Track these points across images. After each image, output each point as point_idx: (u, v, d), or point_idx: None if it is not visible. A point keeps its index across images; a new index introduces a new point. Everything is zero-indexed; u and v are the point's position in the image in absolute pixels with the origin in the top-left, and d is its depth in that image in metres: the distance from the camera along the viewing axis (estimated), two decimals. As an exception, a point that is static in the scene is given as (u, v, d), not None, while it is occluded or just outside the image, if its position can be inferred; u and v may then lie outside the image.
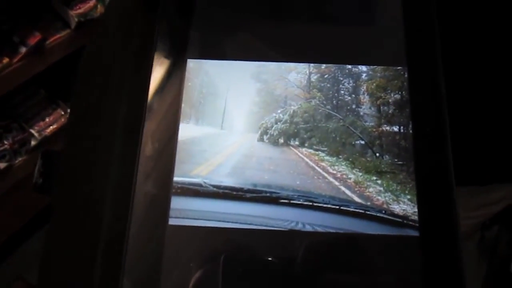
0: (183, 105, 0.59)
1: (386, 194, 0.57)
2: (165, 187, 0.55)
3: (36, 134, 1.62)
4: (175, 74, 0.60)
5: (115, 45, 0.62)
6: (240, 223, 0.54)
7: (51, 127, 1.64)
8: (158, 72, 0.60)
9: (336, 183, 0.56)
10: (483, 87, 0.88)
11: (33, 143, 1.55)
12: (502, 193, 1.05)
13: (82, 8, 1.38)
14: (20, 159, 1.51)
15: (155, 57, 0.59)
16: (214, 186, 0.55)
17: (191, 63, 0.62)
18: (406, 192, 0.56)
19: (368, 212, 0.55)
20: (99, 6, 1.42)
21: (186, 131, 0.59)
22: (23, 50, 1.33)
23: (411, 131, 0.58)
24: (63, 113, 1.67)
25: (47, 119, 1.65)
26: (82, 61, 0.65)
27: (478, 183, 0.91)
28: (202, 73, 0.61)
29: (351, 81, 0.60)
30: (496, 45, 0.83)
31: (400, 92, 0.61)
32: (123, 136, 0.56)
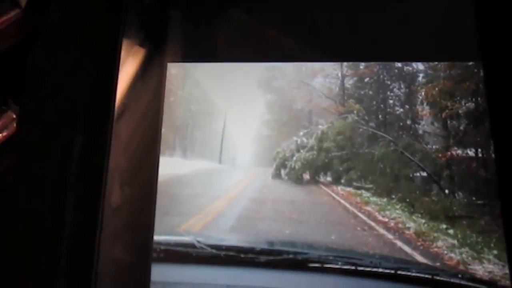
0: (163, 129, 0.46)
1: (463, 249, 0.44)
2: (143, 251, 0.43)
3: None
4: (151, 85, 0.48)
5: (70, 49, 0.49)
6: (253, 301, 0.42)
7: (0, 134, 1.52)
8: (126, 83, 0.47)
9: (389, 235, 0.44)
10: None
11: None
12: None
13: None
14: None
15: (122, 62, 0.47)
16: (212, 246, 0.44)
17: (173, 68, 0.49)
18: (492, 245, 0.44)
19: (438, 278, 0.42)
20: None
21: (169, 167, 0.47)
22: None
23: (493, 155, 0.45)
24: (14, 116, 1.54)
25: (-6, 125, 1.53)
26: (31, 70, 0.53)
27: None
28: (190, 82, 0.48)
29: (402, 86, 0.47)
30: None
31: (473, 99, 0.47)
32: (80, 177, 0.44)
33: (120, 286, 0.43)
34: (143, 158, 0.46)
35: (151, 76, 0.48)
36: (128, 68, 0.47)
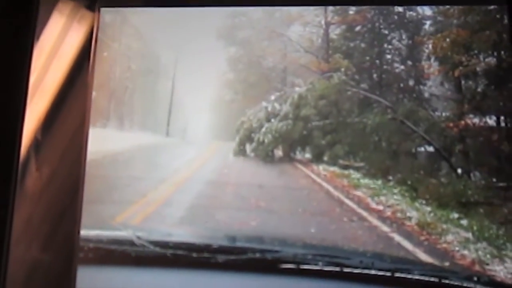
0: (94, 92, 0.38)
1: (479, 244, 0.38)
2: (66, 250, 0.36)
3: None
4: (78, 35, 0.39)
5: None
6: (207, 314, 0.34)
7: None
8: (48, 32, 0.38)
9: (385, 228, 0.37)
10: None
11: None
12: None
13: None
14: None
15: (41, 3, 0.38)
16: (156, 244, 0.37)
17: (107, 15, 0.40)
18: (517, 239, 0.36)
19: (447, 281, 0.35)
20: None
21: (102, 141, 0.38)
22: None
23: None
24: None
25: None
26: None
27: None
28: (128, 32, 0.40)
29: (404, 37, 0.40)
30: None
31: (495, 53, 0.39)
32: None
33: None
34: (67, 130, 0.37)
35: (79, 24, 0.40)
36: (49, 12, 0.38)
